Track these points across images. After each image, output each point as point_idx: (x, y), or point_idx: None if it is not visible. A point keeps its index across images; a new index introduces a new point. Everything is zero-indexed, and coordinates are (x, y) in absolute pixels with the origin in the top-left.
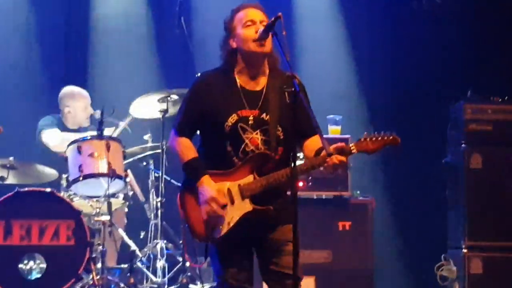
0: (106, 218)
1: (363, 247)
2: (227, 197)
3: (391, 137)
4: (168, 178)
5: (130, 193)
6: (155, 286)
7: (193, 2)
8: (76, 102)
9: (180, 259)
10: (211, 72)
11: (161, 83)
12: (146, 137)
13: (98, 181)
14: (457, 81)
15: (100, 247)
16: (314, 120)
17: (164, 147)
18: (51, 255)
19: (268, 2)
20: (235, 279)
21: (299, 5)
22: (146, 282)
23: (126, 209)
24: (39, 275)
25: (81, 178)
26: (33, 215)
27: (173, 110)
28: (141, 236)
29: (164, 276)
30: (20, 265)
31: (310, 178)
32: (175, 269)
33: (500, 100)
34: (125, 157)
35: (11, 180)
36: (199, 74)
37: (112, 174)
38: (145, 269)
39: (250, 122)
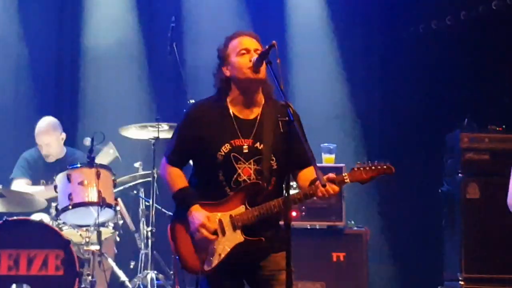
0: (95, 247)
1: (358, 278)
2: (218, 228)
3: (385, 166)
4: (159, 207)
5: (120, 222)
6: None
7: (186, 28)
8: (48, 136)
9: None
10: (203, 101)
11: (153, 110)
12: (136, 164)
13: (88, 210)
14: (454, 109)
15: (90, 277)
16: (309, 151)
17: (155, 175)
18: (40, 285)
19: (261, 29)
20: None
21: (293, 32)
22: None
23: (118, 239)
24: None
25: (70, 207)
26: (22, 244)
27: (165, 136)
28: (131, 266)
29: None
30: None
31: (303, 207)
32: None
33: (497, 129)
34: (115, 185)
35: None
36: (192, 101)
37: (102, 203)
38: None
39: (244, 151)
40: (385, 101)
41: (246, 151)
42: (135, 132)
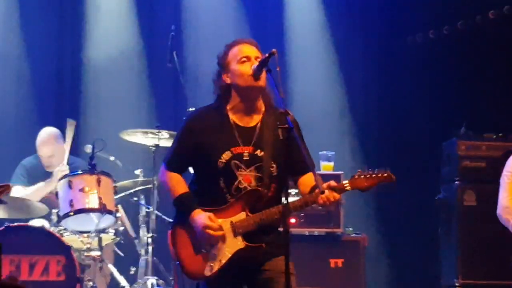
0: (96, 253)
1: (355, 284)
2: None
3: (385, 174)
4: (159, 214)
5: (121, 228)
6: None
7: (185, 37)
8: (51, 148)
9: None
10: (204, 109)
11: (153, 117)
12: (137, 171)
13: (88, 216)
14: (451, 117)
15: (91, 283)
16: (308, 157)
17: (155, 182)
18: None
19: (261, 37)
20: None
21: (292, 41)
22: None
23: (122, 254)
24: None
25: (71, 213)
26: (23, 250)
27: (165, 144)
28: (132, 272)
29: None
30: None
31: (302, 214)
32: None
33: (494, 136)
34: (116, 192)
35: (0, 214)
36: (191, 109)
37: (103, 209)
38: None
39: (245, 159)
40: (383, 109)
41: (247, 158)
42: (137, 137)
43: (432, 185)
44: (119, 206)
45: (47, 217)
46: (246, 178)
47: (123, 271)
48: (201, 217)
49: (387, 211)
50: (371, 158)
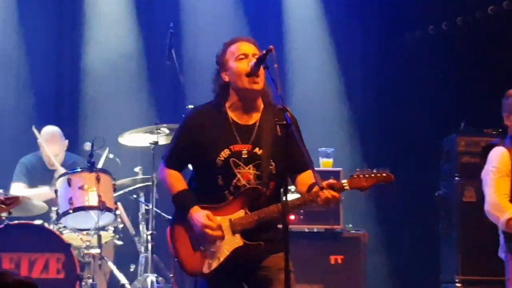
0: (96, 251)
1: (356, 281)
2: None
3: (384, 174)
4: (159, 211)
5: (120, 226)
6: None
7: (184, 35)
8: (57, 147)
9: None
10: (202, 107)
11: (152, 115)
12: (136, 169)
13: (88, 214)
14: (450, 113)
15: (90, 281)
16: (307, 155)
17: (154, 179)
18: None
19: (259, 34)
20: None
21: (290, 38)
22: None
23: (121, 242)
24: None
25: (71, 211)
26: (23, 248)
27: (163, 142)
28: (131, 270)
29: None
30: None
31: (301, 211)
32: None
33: (494, 132)
34: (115, 190)
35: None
36: (190, 107)
37: (102, 207)
38: None
39: (243, 157)
40: (382, 105)
41: (246, 156)
42: (133, 139)
43: (431, 181)
44: (119, 204)
45: (46, 215)
46: (245, 176)
47: (123, 269)
48: (199, 215)
49: (387, 208)
50: (371, 154)
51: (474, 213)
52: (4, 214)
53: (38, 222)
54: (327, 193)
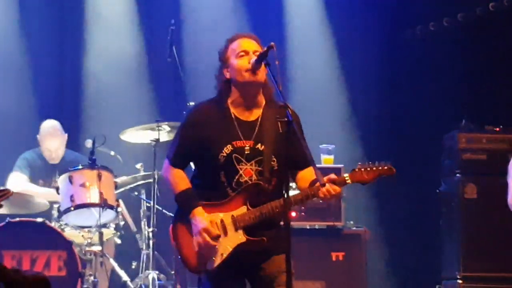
0: (97, 248)
1: (357, 277)
2: (220, 229)
3: (386, 167)
4: (160, 208)
5: (122, 223)
6: None
7: (185, 32)
8: (57, 140)
9: None
10: (205, 103)
11: (153, 112)
12: (138, 166)
13: (89, 211)
14: (451, 110)
15: (92, 278)
16: (308, 151)
17: (156, 176)
18: None
19: (260, 31)
20: None
21: (292, 34)
22: None
23: (119, 241)
24: None
25: (72, 208)
26: (24, 245)
27: (165, 139)
28: (133, 267)
29: None
30: None
31: (303, 208)
32: None
33: (495, 129)
34: (116, 187)
35: (2, 210)
36: (192, 104)
37: (103, 204)
38: None
39: (246, 153)
40: (383, 101)
41: (248, 152)
42: (135, 136)
43: (433, 178)
44: (120, 201)
45: (48, 212)
46: (247, 172)
47: (124, 266)
48: (202, 219)
49: (388, 204)
50: (372, 151)
51: (475, 210)
52: None
53: (39, 219)
54: (329, 189)
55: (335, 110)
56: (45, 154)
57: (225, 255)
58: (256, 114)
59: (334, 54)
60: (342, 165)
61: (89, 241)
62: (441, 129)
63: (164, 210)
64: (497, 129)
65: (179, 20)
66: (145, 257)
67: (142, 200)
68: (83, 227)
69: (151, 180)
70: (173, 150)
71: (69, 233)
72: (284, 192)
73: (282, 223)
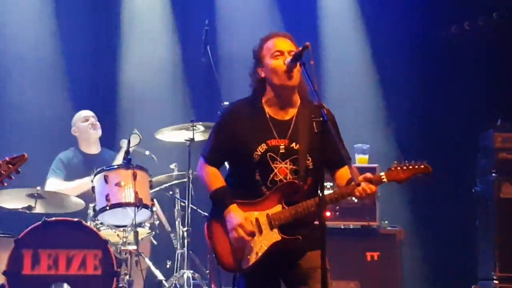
0: (133, 247)
1: (392, 277)
2: (255, 227)
3: (422, 166)
4: (195, 207)
5: (157, 222)
6: None
7: (220, 31)
8: (82, 122)
9: None
10: (239, 102)
11: (188, 112)
12: (172, 166)
13: (125, 211)
14: (487, 109)
15: (127, 277)
16: (344, 151)
17: (190, 176)
18: (78, 285)
19: (294, 30)
20: None
21: (326, 33)
22: None
23: (155, 241)
24: None
25: (108, 208)
26: (60, 244)
27: (199, 138)
28: (168, 266)
29: None
30: None
31: (337, 208)
32: None
33: None
34: (151, 186)
35: (38, 209)
36: (226, 103)
37: (138, 204)
38: None
39: (281, 152)
40: (418, 101)
41: (283, 151)
42: (170, 136)
43: (468, 178)
44: (155, 200)
45: (83, 211)
46: (282, 170)
47: (159, 265)
48: (237, 215)
49: (423, 204)
50: (406, 151)
51: (511, 209)
52: (13, 175)
53: (75, 218)
54: (365, 186)
55: (369, 109)
56: (82, 145)
57: (260, 254)
58: (291, 113)
59: (368, 54)
60: (376, 165)
61: (124, 240)
62: (476, 128)
63: (198, 210)
64: None
65: (213, 20)
66: (179, 256)
67: (176, 200)
68: (118, 226)
69: (185, 180)
70: (208, 148)
71: (105, 232)
72: (319, 191)
73: (316, 222)
